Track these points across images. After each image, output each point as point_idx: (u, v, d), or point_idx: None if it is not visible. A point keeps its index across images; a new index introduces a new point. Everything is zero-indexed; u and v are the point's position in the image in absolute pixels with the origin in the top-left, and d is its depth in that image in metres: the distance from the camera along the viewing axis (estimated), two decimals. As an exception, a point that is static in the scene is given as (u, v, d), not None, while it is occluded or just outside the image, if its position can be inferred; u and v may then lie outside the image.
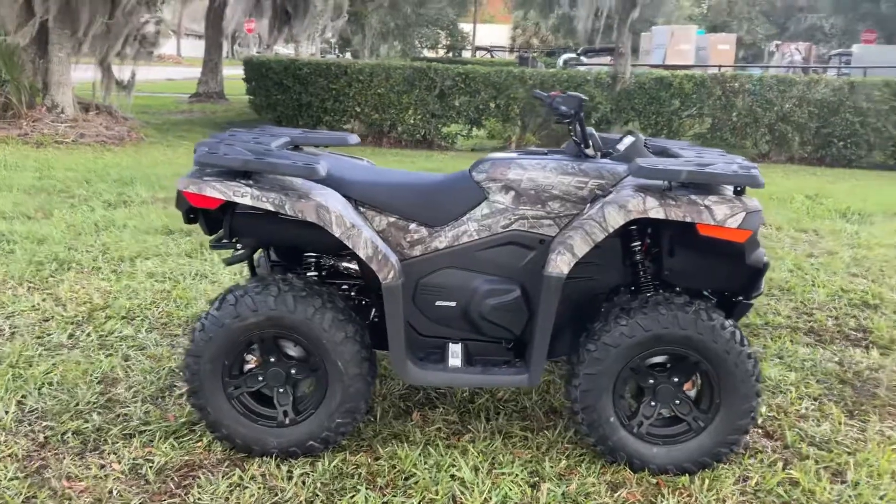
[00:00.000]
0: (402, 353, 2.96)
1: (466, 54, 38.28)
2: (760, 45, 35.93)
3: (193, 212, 3.02)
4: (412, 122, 14.10)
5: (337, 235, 2.83)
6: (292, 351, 3.03)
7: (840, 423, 3.46)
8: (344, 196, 3.06)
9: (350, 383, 2.92)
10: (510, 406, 3.53)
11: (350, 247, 2.85)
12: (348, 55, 29.67)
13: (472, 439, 3.21)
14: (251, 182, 2.83)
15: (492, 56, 37.55)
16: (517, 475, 2.93)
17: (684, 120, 14.02)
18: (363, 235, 2.84)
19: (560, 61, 21.82)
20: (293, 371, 3.00)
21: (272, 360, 2.98)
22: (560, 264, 2.87)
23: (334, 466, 2.95)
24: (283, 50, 28.95)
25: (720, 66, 20.19)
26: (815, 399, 3.74)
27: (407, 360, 2.98)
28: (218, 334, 2.87)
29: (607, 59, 21.53)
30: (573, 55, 23.49)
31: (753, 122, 13.95)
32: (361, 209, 3.13)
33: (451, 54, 38.15)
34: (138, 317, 4.48)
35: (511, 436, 3.25)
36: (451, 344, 3.20)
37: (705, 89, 13.86)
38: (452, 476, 2.92)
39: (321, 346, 2.90)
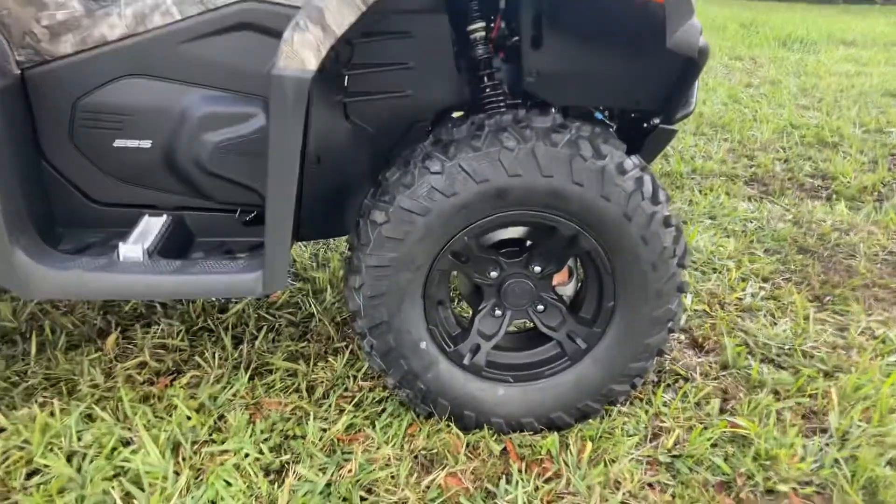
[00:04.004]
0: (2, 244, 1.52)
1: None
2: None
3: None
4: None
5: None
6: None
7: (805, 319, 2.21)
8: None
9: None
10: (285, 315, 2.16)
11: None
12: None
13: (193, 383, 1.84)
14: None
15: None
16: (248, 456, 1.59)
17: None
18: None
19: None
20: None
21: None
22: (301, 53, 1.43)
23: None
24: None
25: None
26: (764, 280, 2.48)
27: (14, 252, 1.54)
28: None
29: None
30: None
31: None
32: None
33: None
34: None
35: (268, 372, 1.90)
36: (148, 218, 1.78)
37: None
38: (122, 468, 1.56)
39: None
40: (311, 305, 2.18)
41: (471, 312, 1.76)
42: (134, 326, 2.05)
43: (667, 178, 3.35)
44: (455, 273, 1.77)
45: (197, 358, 1.91)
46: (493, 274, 1.65)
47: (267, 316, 2.13)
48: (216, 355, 1.93)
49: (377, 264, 1.55)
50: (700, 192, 3.22)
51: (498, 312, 1.68)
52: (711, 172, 3.45)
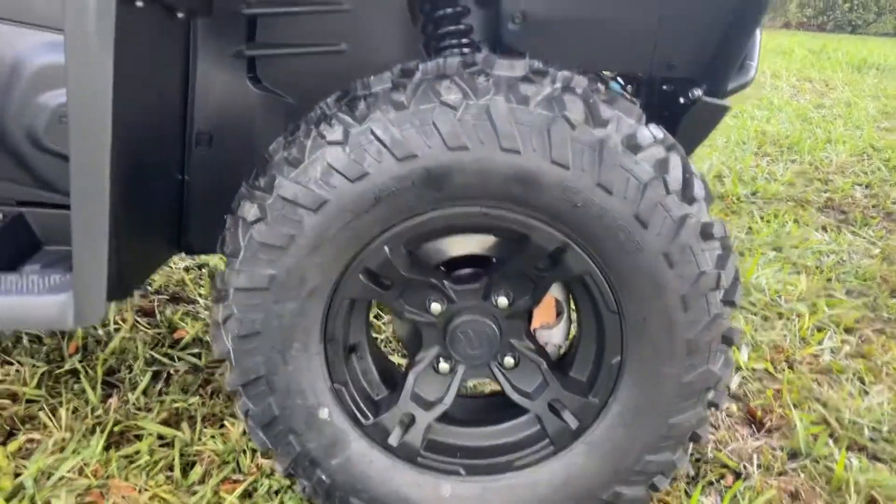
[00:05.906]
0: None
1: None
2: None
3: None
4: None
5: None
6: None
7: (911, 388, 1.58)
8: None
9: None
10: (188, 358, 1.61)
11: None
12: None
13: (30, 450, 1.30)
14: None
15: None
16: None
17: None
18: None
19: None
20: None
21: None
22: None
23: None
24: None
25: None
26: (848, 330, 1.85)
27: None
28: None
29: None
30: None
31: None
32: None
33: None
34: None
35: (138, 438, 1.35)
36: (-31, 216, 1.29)
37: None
38: None
39: None
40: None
41: (398, 365, 1.19)
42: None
43: (720, 202, 2.74)
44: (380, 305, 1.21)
45: (41, 415, 1.38)
46: (436, 307, 1.08)
47: (163, 359, 1.59)
48: (73, 410, 1.39)
49: (248, 286, 1.00)
50: (762, 218, 2.59)
51: (444, 367, 1.11)
52: (776, 196, 2.82)
